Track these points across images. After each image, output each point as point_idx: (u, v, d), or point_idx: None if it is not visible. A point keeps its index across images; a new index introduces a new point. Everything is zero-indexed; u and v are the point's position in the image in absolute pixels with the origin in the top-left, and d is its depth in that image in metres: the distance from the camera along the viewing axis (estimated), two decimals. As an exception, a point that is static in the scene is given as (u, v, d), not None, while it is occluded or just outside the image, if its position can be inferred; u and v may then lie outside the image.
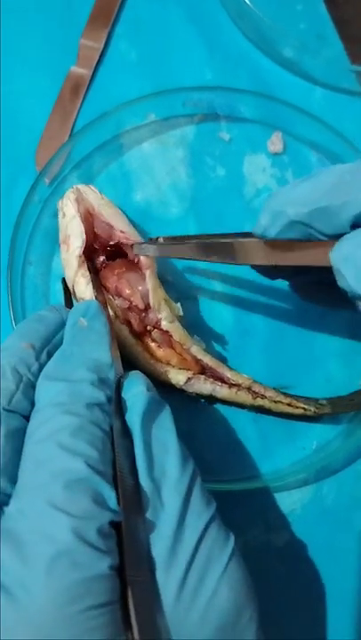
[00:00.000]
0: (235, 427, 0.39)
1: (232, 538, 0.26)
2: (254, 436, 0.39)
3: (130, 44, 0.45)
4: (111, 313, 0.35)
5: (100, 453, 0.24)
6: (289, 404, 0.36)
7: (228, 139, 0.43)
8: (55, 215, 0.38)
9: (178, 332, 0.36)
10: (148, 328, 0.36)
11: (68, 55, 0.44)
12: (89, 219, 0.36)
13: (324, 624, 0.37)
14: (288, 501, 0.39)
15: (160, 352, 0.36)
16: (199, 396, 0.37)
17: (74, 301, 0.36)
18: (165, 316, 0.36)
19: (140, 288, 0.36)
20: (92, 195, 0.37)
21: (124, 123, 0.42)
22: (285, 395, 0.36)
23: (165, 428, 0.27)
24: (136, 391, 0.27)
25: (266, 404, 0.36)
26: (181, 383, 0.36)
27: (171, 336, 0.36)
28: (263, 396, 0.36)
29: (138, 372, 0.29)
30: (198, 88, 0.42)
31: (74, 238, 0.36)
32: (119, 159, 0.42)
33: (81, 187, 0.37)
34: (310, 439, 0.39)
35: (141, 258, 0.36)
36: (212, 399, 0.37)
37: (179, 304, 0.37)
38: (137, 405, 0.27)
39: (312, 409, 0.36)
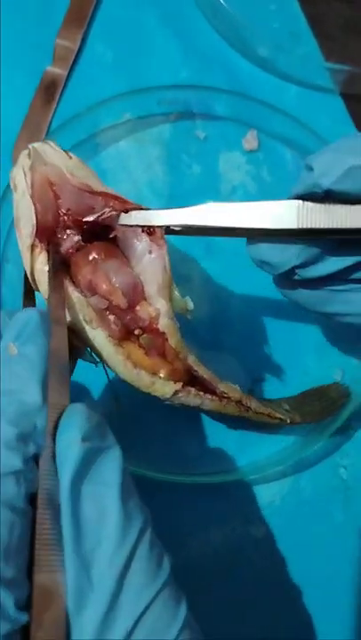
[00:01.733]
0: (213, 420, 0.39)
1: (183, 608, 0.22)
2: (232, 429, 0.39)
3: (105, 43, 0.45)
4: (80, 317, 0.28)
5: (4, 544, 0.20)
6: (268, 415, 0.34)
7: (204, 137, 0.43)
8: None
9: (175, 337, 0.30)
10: (137, 332, 0.30)
11: (44, 55, 0.44)
12: (50, 189, 0.29)
13: (302, 616, 0.38)
14: (267, 493, 0.39)
15: (147, 361, 0.29)
16: (182, 406, 0.32)
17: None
18: (165, 311, 0.29)
19: (121, 280, 0.29)
20: (53, 154, 0.29)
21: (100, 122, 0.42)
22: (265, 405, 0.34)
23: (105, 482, 0.22)
24: (67, 441, 0.22)
25: (250, 415, 0.33)
26: (168, 396, 0.30)
27: (166, 340, 0.30)
28: (248, 408, 0.33)
29: (76, 407, 0.23)
30: (173, 87, 0.42)
31: (24, 223, 0.29)
32: (95, 158, 0.42)
33: (38, 145, 0.29)
34: (287, 432, 0.39)
35: (156, 231, 0.29)
36: (195, 409, 0.33)
37: (188, 297, 0.30)
38: (66, 462, 0.21)
39: (288, 420, 0.35)
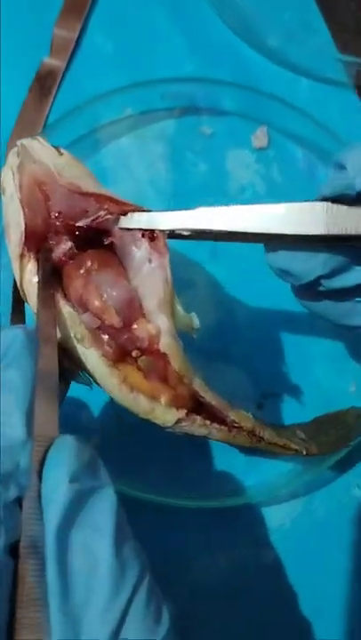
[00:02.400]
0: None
1: None
2: (239, 448, 0.37)
3: (106, 33, 0.43)
4: (72, 334, 0.26)
5: None
6: (283, 446, 0.31)
7: (210, 133, 0.42)
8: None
9: (179, 358, 0.27)
10: (134, 354, 0.27)
11: (41, 45, 0.42)
12: (39, 190, 0.27)
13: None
14: (276, 516, 0.37)
15: (146, 385, 0.27)
16: (186, 435, 0.29)
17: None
18: (167, 330, 0.27)
19: (115, 295, 0.26)
20: (42, 151, 0.27)
21: (100, 117, 0.41)
22: (280, 435, 0.31)
23: (96, 528, 0.20)
24: (54, 481, 0.20)
25: (262, 445, 0.30)
26: (169, 424, 0.27)
27: (168, 363, 0.27)
28: (261, 439, 0.30)
29: (64, 441, 0.21)
30: (178, 80, 0.41)
31: (13, 229, 0.27)
32: (95, 155, 0.41)
33: (27, 142, 0.27)
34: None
35: (158, 235, 0.27)
36: (201, 439, 0.30)
37: (193, 313, 0.28)
38: (53, 505, 0.19)
39: (303, 451, 0.32)
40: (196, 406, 0.28)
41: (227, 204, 0.41)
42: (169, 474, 0.36)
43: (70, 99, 0.41)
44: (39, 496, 0.20)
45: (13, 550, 0.20)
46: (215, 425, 0.28)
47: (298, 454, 0.32)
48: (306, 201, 0.25)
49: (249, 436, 0.29)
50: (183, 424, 0.27)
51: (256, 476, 0.37)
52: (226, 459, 0.37)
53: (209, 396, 0.28)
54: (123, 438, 0.35)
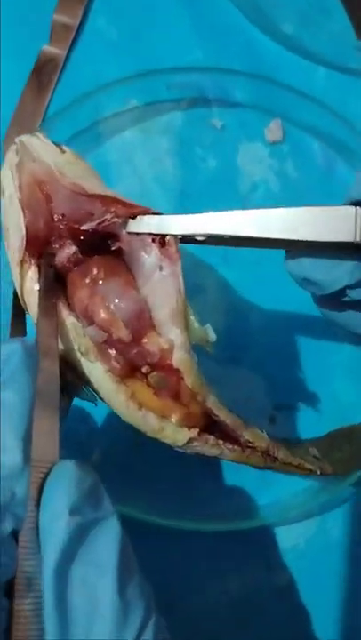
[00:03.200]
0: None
1: None
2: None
3: (109, 20, 0.42)
4: (76, 347, 0.25)
5: None
6: (297, 466, 0.30)
7: (221, 126, 0.41)
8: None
9: (192, 374, 0.26)
10: (145, 370, 0.26)
11: (40, 32, 0.41)
12: (39, 191, 0.26)
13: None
14: (290, 536, 0.36)
15: (156, 402, 0.26)
16: (197, 455, 0.28)
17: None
18: (180, 344, 0.25)
19: (124, 307, 0.25)
20: (43, 148, 0.26)
21: (103, 109, 0.40)
22: (294, 454, 0.30)
23: (98, 564, 0.19)
24: (53, 512, 0.19)
25: (276, 466, 0.29)
26: (180, 444, 0.26)
27: (181, 379, 0.26)
28: (275, 459, 0.28)
29: (64, 468, 0.20)
30: (186, 69, 0.40)
31: (12, 233, 0.26)
32: (97, 150, 0.40)
33: (26, 138, 0.26)
34: (314, 466, 0.36)
35: (169, 240, 0.25)
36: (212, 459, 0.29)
37: (208, 325, 0.26)
38: (51, 539, 0.18)
39: (318, 471, 0.31)
40: (209, 425, 0.27)
41: (239, 203, 0.40)
42: (177, 494, 0.35)
43: (71, 89, 0.40)
44: (36, 528, 0.19)
45: (8, 589, 0.19)
46: (228, 445, 0.27)
47: (312, 474, 0.31)
48: (332, 205, 0.24)
49: (263, 457, 0.28)
50: (195, 444, 0.26)
51: (269, 495, 0.36)
52: (238, 477, 0.36)
53: (223, 415, 0.27)
54: (127, 455, 0.34)
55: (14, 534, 0.19)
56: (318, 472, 0.30)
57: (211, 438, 0.26)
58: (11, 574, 0.19)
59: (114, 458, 0.35)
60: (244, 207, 0.39)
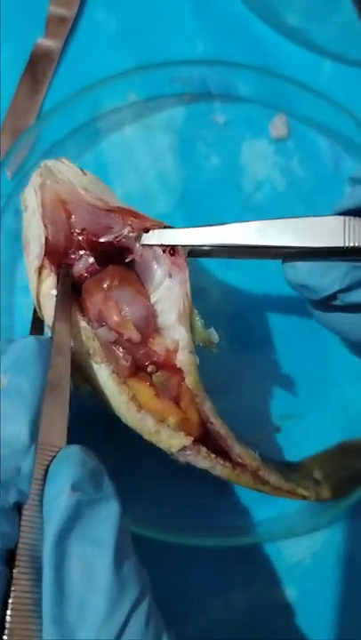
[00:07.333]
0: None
1: None
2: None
3: (107, 11, 0.42)
4: (84, 349, 0.27)
5: None
6: (289, 492, 0.30)
7: (224, 122, 0.41)
8: (19, 213, 0.35)
9: (193, 375, 0.28)
10: (149, 369, 0.28)
11: (35, 25, 0.41)
12: (61, 208, 0.29)
13: None
14: (296, 551, 0.35)
15: (155, 404, 0.27)
16: (189, 465, 0.29)
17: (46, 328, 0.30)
18: (185, 344, 0.28)
19: (134, 312, 0.28)
20: (67, 170, 0.29)
21: (102, 104, 0.39)
22: (288, 479, 0.31)
23: (97, 541, 0.20)
24: (56, 489, 0.21)
25: (266, 489, 0.30)
26: (173, 450, 0.28)
27: (182, 379, 0.28)
28: (266, 482, 0.30)
29: (69, 451, 0.22)
30: (188, 62, 0.40)
31: (32, 243, 0.29)
32: (96, 147, 0.40)
33: (51, 162, 0.30)
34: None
35: (179, 250, 0.28)
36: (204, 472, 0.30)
37: (212, 328, 0.29)
38: (53, 514, 0.20)
39: (312, 497, 0.32)
40: (203, 436, 0.29)
41: (242, 202, 0.40)
42: (180, 509, 0.35)
43: (68, 84, 0.40)
44: (40, 504, 0.21)
45: (9, 559, 0.20)
46: (220, 460, 0.29)
47: (305, 499, 0.32)
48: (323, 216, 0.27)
49: (253, 477, 0.30)
50: (188, 452, 0.28)
51: (274, 507, 0.35)
52: (242, 491, 0.35)
53: (218, 424, 0.29)
54: (130, 468, 0.33)
55: (17, 507, 0.21)
56: (312, 498, 0.31)
57: (203, 450, 0.28)
58: (11, 544, 0.20)
59: (115, 471, 0.34)
60: (247, 207, 0.39)
